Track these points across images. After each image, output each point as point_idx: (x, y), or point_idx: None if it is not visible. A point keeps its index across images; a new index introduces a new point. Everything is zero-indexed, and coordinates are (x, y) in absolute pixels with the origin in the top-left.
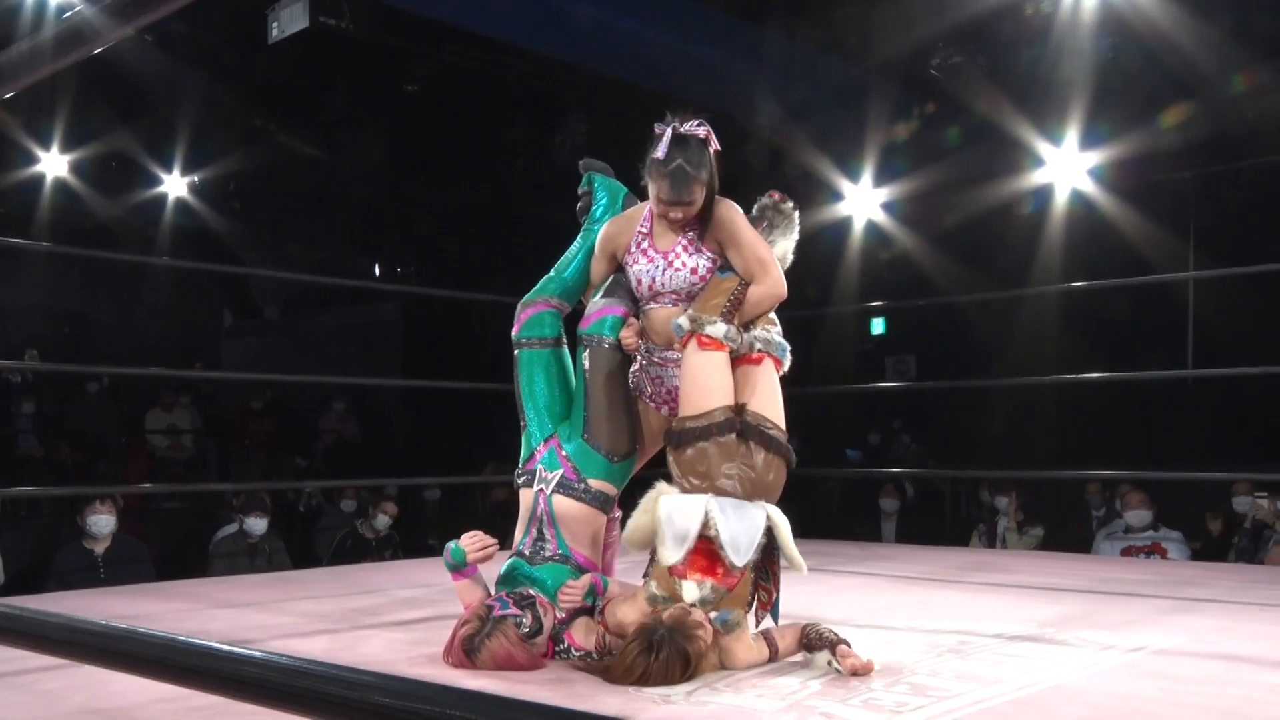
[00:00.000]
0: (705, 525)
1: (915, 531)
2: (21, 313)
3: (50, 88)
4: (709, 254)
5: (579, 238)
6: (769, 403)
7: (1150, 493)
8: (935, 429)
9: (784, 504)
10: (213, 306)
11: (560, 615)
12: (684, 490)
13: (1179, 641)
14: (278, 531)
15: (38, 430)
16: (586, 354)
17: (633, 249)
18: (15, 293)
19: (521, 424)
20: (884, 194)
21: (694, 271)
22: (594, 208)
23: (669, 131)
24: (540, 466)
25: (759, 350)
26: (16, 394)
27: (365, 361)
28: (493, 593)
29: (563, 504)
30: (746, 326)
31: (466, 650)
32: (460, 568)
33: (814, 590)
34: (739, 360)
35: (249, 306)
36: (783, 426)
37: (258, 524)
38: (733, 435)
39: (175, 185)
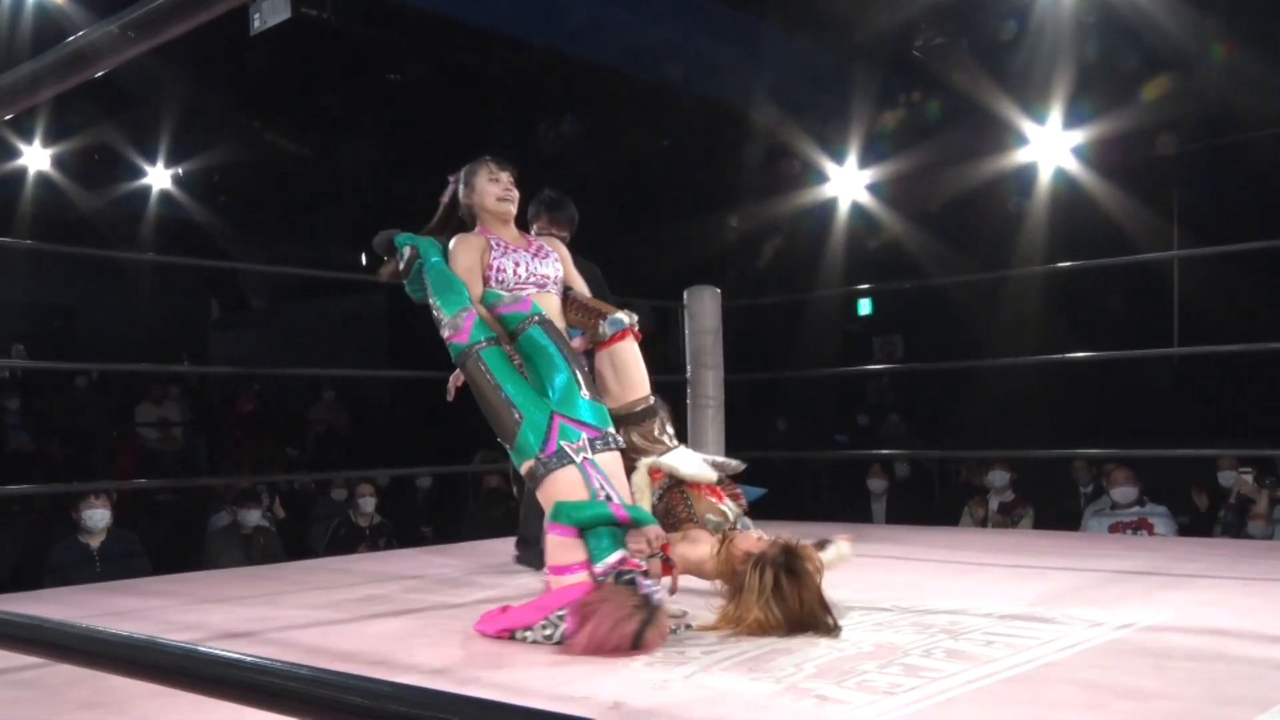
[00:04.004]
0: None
1: (905, 511)
2: (7, 308)
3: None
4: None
5: (430, 267)
6: None
7: (1136, 470)
8: (923, 409)
9: (776, 486)
10: (199, 297)
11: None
12: (657, 452)
13: (1167, 617)
14: (271, 520)
15: (28, 426)
16: (540, 329)
17: (495, 248)
18: (1, 289)
19: (514, 419)
20: (869, 175)
21: (558, 263)
22: (426, 255)
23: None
24: (564, 443)
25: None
26: (5, 389)
27: (354, 351)
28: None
29: (605, 460)
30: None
31: (634, 642)
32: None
33: None
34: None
35: (236, 297)
36: None
37: (250, 515)
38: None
39: (159, 177)
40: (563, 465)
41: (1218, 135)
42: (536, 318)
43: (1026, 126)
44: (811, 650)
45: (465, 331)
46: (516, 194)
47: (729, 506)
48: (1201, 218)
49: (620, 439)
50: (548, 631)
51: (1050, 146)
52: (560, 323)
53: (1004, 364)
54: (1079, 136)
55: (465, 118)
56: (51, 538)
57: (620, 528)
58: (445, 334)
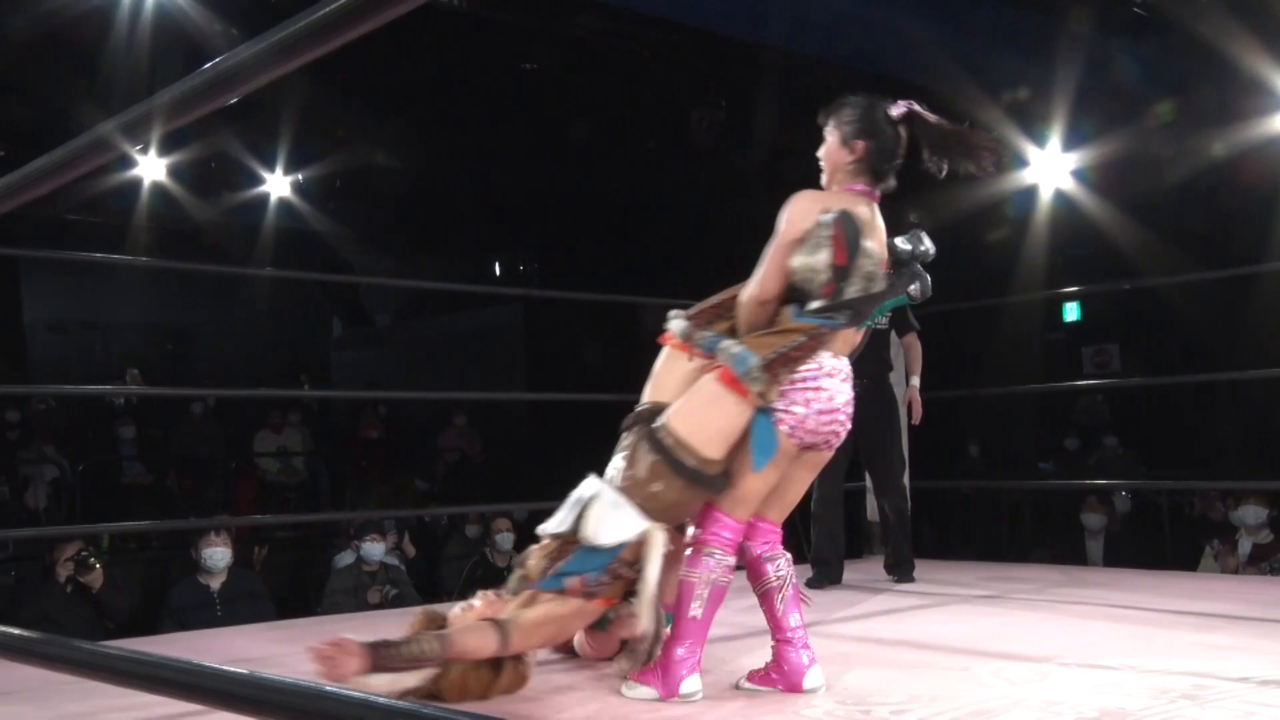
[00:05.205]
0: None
1: (1128, 553)
2: (121, 330)
3: (148, 90)
4: None
5: None
6: (685, 410)
7: None
8: (1148, 431)
9: (969, 520)
10: (320, 314)
11: None
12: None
13: None
14: (401, 558)
15: (143, 456)
16: None
17: None
18: (115, 307)
19: None
20: (1075, 159)
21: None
22: None
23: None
24: None
25: (706, 352)
26: (119, 417)
27: (486, 371)
28: None
29: None
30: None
31: None
32: None
33: (1009, 621)
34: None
35: (359, 314)
36: (690, 441)
37: (374, 548)
38: (634, 428)
39: (278, 185)
40: None
41: None
42: None
43: None
44: (1022, 714)
45: None
46: (828, 146)
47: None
48: None
49: None
50: None
51: None
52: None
53: (1256, 376)
54: None
55: (609, 106)
56: (169, 576)
57: None
58: None
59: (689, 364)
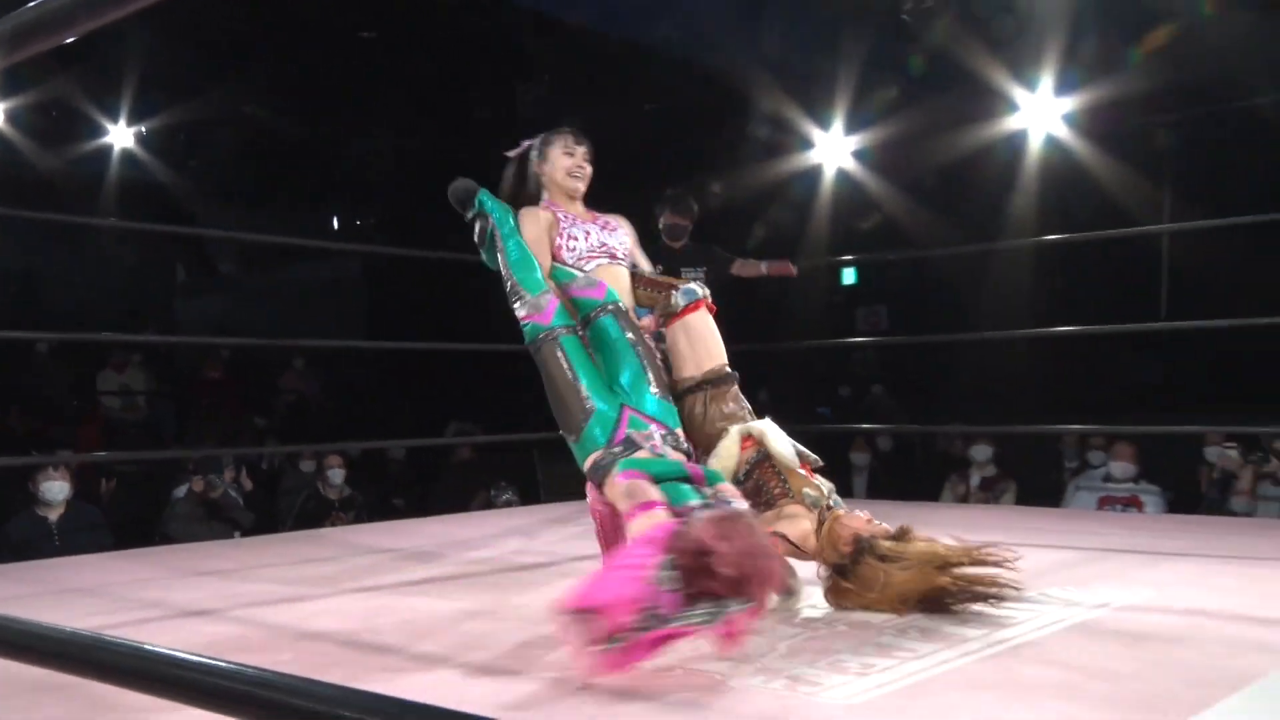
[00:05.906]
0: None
1: (887, 486)
2: None
3: None
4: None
5: (507, 237)
6: None
7: (1137, 447)
8: (908, 381)
9: None
10: (165, 261)
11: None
12: (743, 420)
13: (1145, 597)
14: (238, 491)
15: None
16: (613, 319)
17: (564, 222)
18: None
19: (585, 410)
20: (855, 142)
21: (626, 236)
22: (502, 223)
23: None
24: (632, 432)
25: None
26: None
27: (327, 318)
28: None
29: (674, 457)
30: None
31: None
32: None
33: None
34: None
35: (203, 262)
36: None
37: (215, 481)
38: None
39: (121, 136)
40: (632, 453)
41: (1214, 102)
42: (610, 306)
43: (1017, 93)
44: (784, 629)
45: (548, 314)
46: (588, 170)
47: (823, 483)
48: (1195, 185)
49: (685, 442)
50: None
51: (1041, 113)
52: (628, 299)
53: (988, 338)
54: (1070, 103)
55: (439, 78)
56: (8, 511)
57: (695, 485)
58: (523, 312)
59: None
